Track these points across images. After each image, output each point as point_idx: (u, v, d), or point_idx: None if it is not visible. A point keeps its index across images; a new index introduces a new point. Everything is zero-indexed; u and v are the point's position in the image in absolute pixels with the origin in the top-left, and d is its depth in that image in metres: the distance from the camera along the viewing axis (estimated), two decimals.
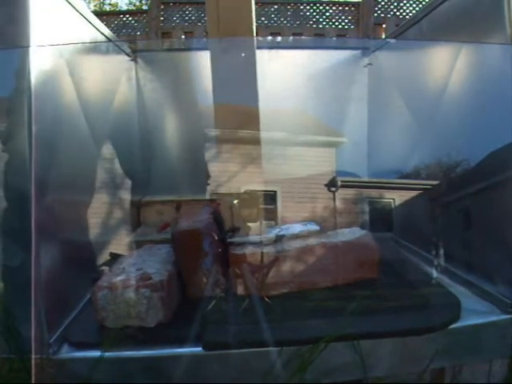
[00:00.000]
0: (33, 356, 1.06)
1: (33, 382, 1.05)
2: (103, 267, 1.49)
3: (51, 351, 1.11)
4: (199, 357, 1.13)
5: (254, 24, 1.73)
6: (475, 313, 1.27)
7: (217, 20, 1.70)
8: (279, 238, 1.54)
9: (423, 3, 4.11)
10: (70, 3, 1.40)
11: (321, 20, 4.36)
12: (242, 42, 1.77)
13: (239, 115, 1.92)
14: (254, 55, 1.77)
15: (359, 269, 1.46)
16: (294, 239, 1.53)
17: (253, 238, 1.57)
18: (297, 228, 1.61)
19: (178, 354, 1.13)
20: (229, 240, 1.55)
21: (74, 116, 1.46)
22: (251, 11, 1.69)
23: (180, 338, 1.15)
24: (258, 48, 1.91)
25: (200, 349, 1.13)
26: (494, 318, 1.25)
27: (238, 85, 1.82)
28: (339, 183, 2.16)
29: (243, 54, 1.76)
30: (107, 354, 1.09)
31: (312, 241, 1.49)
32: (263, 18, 4.40)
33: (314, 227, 1.62)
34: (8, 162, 1.18)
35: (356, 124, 2.21)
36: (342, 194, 2.17)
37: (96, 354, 1.09)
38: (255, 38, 1.77)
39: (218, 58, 1.76)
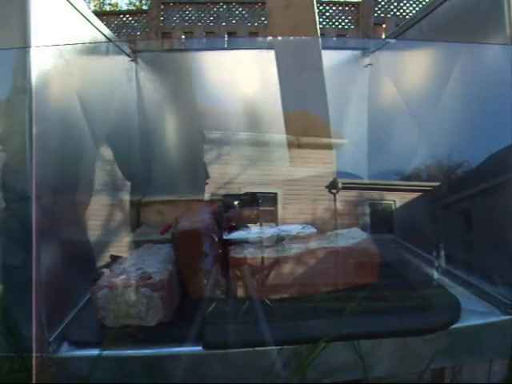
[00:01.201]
0: (33, 354, 1.06)
1: (33, 381, 1.05)
2: (103, 269, 1.49)
3: (51, 350, 1.11)
4: (199, 356, 1.13)
5: (318, 25, 1.69)
6: (475, 313, 1.27)
7: (281, 20, 1.66)
8: (280, 239, 1.54)
9: (423, 3, 4.11)
10: (70, 3, 1.40)
11: (321, 20, 4.36)
12: (308, 43, 1.73)
13: (309, 122, 1.89)
14: (320, 57, 1.73)
15: (359, 274, 1.46)
16: (294, 243, 1.52)
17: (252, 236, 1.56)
18: (295, 229, 1.61)
19: (178, 353, 1.13)
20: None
21: (74, 116, 1.46)
22: (314, 11, 1.65)
23: (180, 338, 1.15)
24: (258, 48, 1.90)
25: (200, 348, 1.13)
26: (493, 319, 1.25)
27: (307, 89, 1.78)
28: (340, 185, 2.16)
29: (310, 56, 1.69)
30: (107, 353, 1.09)
31: (312, 245, 1.48)
32: (263, 18, 4.40)
33: (312, 230, 1.62)
34: (7, 162, 1.19)
35: (356, 125, 2.21)
36: (342, 195, 2.17)
37: (96, 352, 1.09)
38: (320, 38, 1.72)
39: (286, 62, 1.70)
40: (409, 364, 1.18)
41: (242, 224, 1.68)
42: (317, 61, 1.72)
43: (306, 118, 1.90)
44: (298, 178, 2.24)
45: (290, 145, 2.19)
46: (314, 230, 1.62)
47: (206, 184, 2.24)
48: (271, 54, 1.98)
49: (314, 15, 1.67)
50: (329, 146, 2.30)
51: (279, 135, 2.14)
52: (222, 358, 1.14)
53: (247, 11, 4.30)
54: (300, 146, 2.22)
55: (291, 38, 1.69)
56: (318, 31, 1.71)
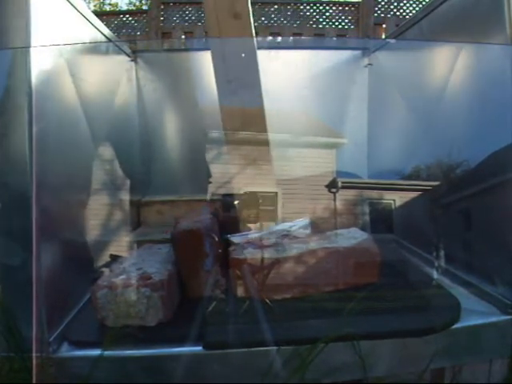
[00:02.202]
0: (33, 354, 1.06)
1: (33, 381, 1.05)
2: (103, 269, 1.50)
3: (51, 350, 1.11)
4: (199, 356, 1.13)
5: (253, 24, 1.72)
6: (475, 313, 1.27)
7: (216, 21, 1.69)
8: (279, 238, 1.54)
9: (423, 3, 4.11)
10: (70, 3, 1.40)
11: (321, 20, 4.36)
12: (243, 42, 1.76)
13: (244, 117, 1.92)
14: (254, 55, 1.76)
15: (360, 274, 1.46)
16: (294, 243, 1.52)
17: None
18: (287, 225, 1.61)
19: (178, 353, 1.13)
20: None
21: (74, 116, 1.46)
22: (249, 12, 1.68)
23: (180, 338, 1.15)
24: (259, 48, 1.91)
25: (200, 348, 1.13)
26: (493, 319, 1.25)
27: (242, 86, 1.81)
28: (340, 184, 2.16)
29: (243, 55, 1.75)
30: (107, 353, 1.09)
31: (313, 245, 1.48)
32: (263, 18, 4.40)
33: (304, 222, 1.62)
34: (7, 162, 1.18)
35: (356, 124, 2.21)
36: (342, 195, 2.17)
37: (96, 352, 1.09)
38: (255, 38, 1.75)
39: (220, 59, 1.75)
40: (409, 364, 1.18)
41: (241, 224, 1.69)
42: (253, 63, 1.76)
43: (242, 115, 1.93)
44: (297, 178, 2.24)
45: (290, 144, 2.19)
46: (307, 222, 1.61)
47: (210, 183, 2.25)
48: (271, 53, 1.98)
49: (249, 15, 1.69)
50: (329, 146, 2.31)
51: (279, 134, 2.14)
52: (222, 358, 1.14)
53: None
54: (299, 145, 2.22)
55: (227, 38, 1.72)
56: (253, 31, 1.73)
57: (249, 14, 1.69)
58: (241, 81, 1.80)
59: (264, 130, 1.90)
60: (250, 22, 1.69)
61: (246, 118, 1.92)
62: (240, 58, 1.77)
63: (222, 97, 1.82)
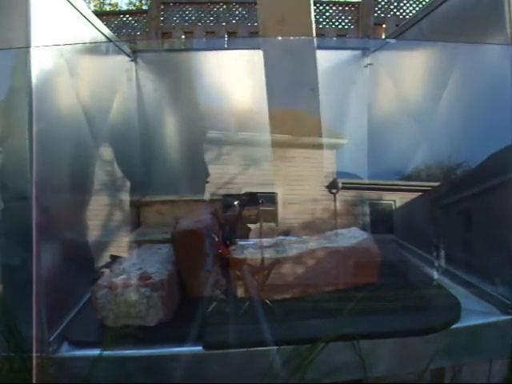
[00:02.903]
0: (33, 354, 1.06)
1: (33, 381, 1.05)
2: (103, 269, 1.49)
3: (51, 350, 1.11)
4: (199, 356, 1.13)
5: (314, 22, 1.65)
6: (475, 313, 1.27)
7: (272, 20, 1.63)
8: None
9: (423, 3, 4.11)
10: (70, 3, 1.40)
11: (321, 20, 4.36)
12: (301, 43, 1.69)
13: (297, 120, 1.86)
14: (314, 55, 1.69)
15: (360, 274, 1.46)
16: (295, 243, 1.52)
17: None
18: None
19: (178, 353, 1.13)
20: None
21: (74, 116, 1.46)
22: (310, 7, 1.61)
23: (180, 338, 1.15)
24: (257, 48, 1.90)
25: (200, 348, 1.13)
26: (493, 319, 1.25)
27: (297, 88, 1.75)
28: (340, 185, 2.16)
29: (302, 55, 1.65)
30: (107, 353, 1.09)
31: (313, 245, 1.48)
32: None
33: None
34: (7, 161, 1.19)
35: (356, 125, 2.21)
36: (342, 195, 2.17)
37: (96, 352, 1.09)
38: (315, 38, 1.68)
39: (274, 60, 1.67)
40: (409, 364, 1.18)
41: (241, 224, 1.68)
42: (312, 63, 1.70)
43: (295, 118, 1.89)
44: (297, 178, 2.24)
45: (291, 145, 2.19)
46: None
47: (207, 183, 2.24)
48: None
49: (312, 30, 1.64)
50: (329, 147, 2.30)
51: (279, 135, 2.14)
52: (222, 358, 1.14)
53: (247, 11, 4.30)
54: (300, 146, 2.22)
55: (283, 38, 1.66)
56: (314, 29, 1.67)
57: (310, 12, 1.61)
58: (298, 83, 1.74)
59: (319, 134, 1.85)
60: (311, 21, 1.63)
61: (299, 122, 1.86)
62: (299, 59, 1.70)
63: (272, 99, 1.76)
